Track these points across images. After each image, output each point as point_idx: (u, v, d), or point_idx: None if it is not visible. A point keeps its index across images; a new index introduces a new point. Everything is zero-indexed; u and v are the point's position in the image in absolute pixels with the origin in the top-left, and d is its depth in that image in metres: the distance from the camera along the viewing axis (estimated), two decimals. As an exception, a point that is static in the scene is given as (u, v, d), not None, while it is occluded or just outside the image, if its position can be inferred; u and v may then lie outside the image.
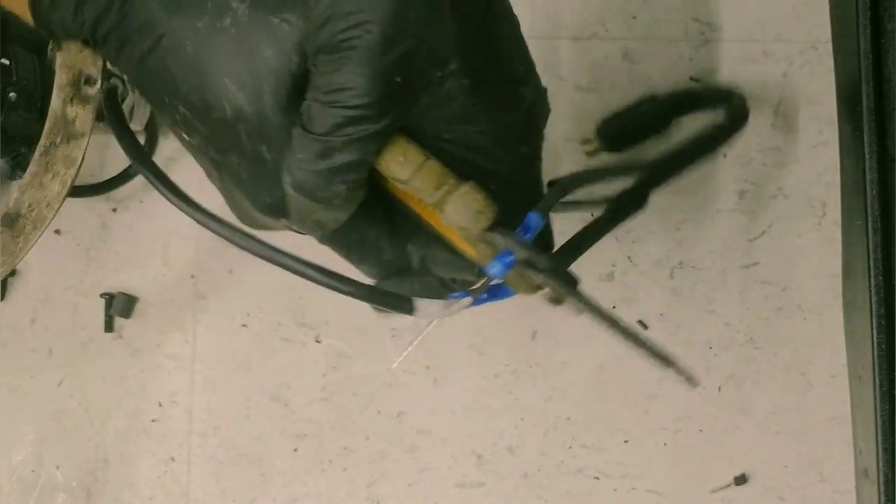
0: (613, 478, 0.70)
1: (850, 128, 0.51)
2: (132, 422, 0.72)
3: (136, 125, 0.68)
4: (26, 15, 0.42)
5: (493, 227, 0.41)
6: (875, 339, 0.47)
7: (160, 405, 0.72)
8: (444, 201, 0.41)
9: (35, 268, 0.73)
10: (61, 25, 0.41)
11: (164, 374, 0.72)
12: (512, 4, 0.42)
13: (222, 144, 0.41)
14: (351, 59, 0.36)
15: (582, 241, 0.46)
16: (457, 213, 0.41)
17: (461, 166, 0.42)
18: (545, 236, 0.45)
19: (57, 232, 0.72)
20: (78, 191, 0.70)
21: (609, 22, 0.71)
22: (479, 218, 0.41)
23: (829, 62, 0.69)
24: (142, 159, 0.44)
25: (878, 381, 0.47)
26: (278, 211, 0.42)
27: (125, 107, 0.63)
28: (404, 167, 0.40)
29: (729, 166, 0.71)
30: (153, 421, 0.72)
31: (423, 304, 0.42)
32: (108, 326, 0.72)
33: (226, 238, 0.44)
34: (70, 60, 0.49)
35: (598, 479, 0.70)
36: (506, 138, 0.42)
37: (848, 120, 0.52)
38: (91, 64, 0.50)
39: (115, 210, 0.73)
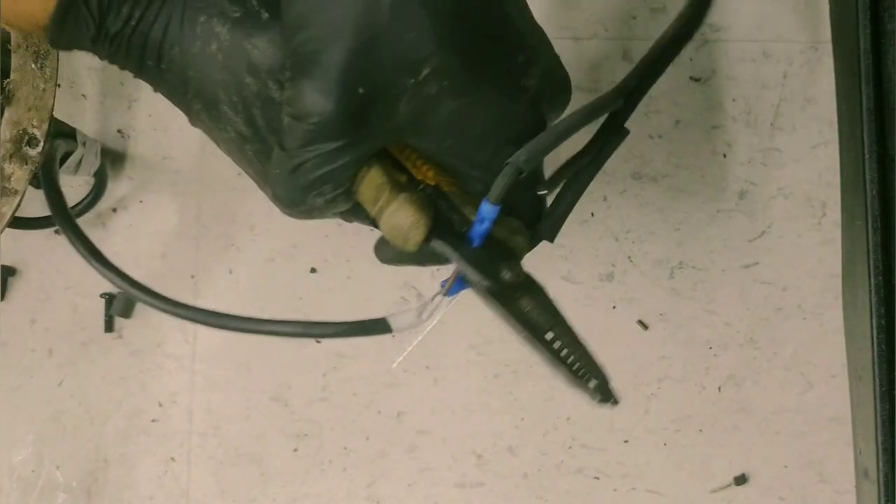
0: (613, 478, 0.70)
1: (850, 128, 0.51)
2: (132, 422, 0.72)
3: (85, 173, 0.68)
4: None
5: (429, 238, 0.40)
6: (875, 339, 0.47)
7: (160, 405, 0.72)
8: (378, 218, 0.40)
9: (35, 268, 0.73)
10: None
11: (164, 374, 0.72)
12: (512, 4, 0.41)
13: (238, 157, 0.42)
14: (311, 73, 0.36)
15: (566, 199, 0.44)
16: (389, 232, 0.40)
17: (463, 170, 0.41)
18: (534, 203, 0.44)
19: (57, 232, 0.72)
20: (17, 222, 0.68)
21: (609, 22, 0.71)
22: (410, 236, 0.40)
23: (829, 62, 0.69)
24: (70, 227, 0.46)
25: (878, 381, 0.47)
26: None
27: (74, 157, 0.63)
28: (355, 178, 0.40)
29: (729, 166, 0.71)
30: (153, 421, 0.72)
31: (397, 320, 0.42)
32: (108, 326, 0.72)
33: (167, 311, 0.45)
34: (17, 117, 0.49)
35: (598, 479, 0.70)
36: (509, 136, 0.41)
37: (848, 120, 0.52)
38: (36, 126, 0.49)
39: (114, 210, 0.73)
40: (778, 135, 0.70)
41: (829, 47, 0.68)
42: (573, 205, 0.45)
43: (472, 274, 0.41)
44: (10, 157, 0.49)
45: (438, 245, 0.41)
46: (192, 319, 0.46)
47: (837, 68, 0.60)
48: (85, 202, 0.71)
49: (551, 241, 0.45)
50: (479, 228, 0.41)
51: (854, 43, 0.49)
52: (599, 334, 0.71)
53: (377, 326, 0.42)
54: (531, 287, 0.43)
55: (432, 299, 0.42)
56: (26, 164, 0.50)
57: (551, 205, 0.45)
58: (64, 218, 0.47)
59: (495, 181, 0.40)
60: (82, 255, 0.46)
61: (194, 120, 0.42)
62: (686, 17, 0.48)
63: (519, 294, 0.43)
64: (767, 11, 0.71)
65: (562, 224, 0.45)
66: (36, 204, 0.66)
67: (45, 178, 0.50)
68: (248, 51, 0.39)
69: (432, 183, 0.42)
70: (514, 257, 0.43)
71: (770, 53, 0.71)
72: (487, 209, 0.40)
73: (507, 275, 0.42)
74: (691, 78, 0.71)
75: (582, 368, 0.43)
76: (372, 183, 0.40)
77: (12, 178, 0.50)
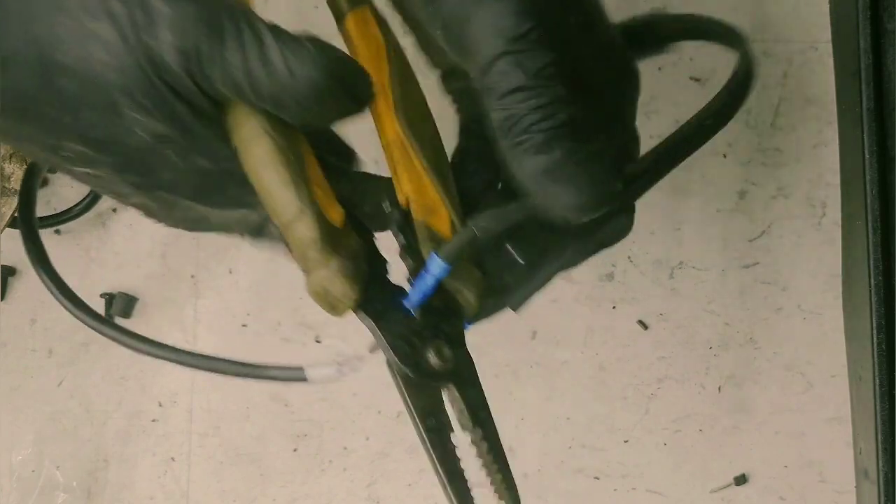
0: (613, 478, 0.70)
1: (850, 128, 0.51)
2: (132, 422, 0.72)
3: None
4: None
5: (357, 310, 0.37)
6: (875, 339, 0.47)
7: (160, 405, 0.72)
8: (305, 273, 0.36)
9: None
10: None
11: (164, 374, 0.72)
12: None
13: (144, 167, 0.36)
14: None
15: (543, 272, 0.42)
16: (314, 295, 0.37)
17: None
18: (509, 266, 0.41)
19: (57, 232, 0.72)
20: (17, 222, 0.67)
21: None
22: (336, 306, 0.37)
23: (829, 62, 0.69)
24: (34, 248, 0.44)
25: (878, 381, 0.47)
26: (242, 203, 0.37)
27: None
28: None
29: (729, 166, 0.71)
30: (153, 421, 0.72)
31: (314, 372, 0.39)
32: (108, 326, 0.72)
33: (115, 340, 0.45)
34: None
35: (598, 479, 0.70)
36: None
37: (848, 120, 0.52)
38: None
39: (114, 210, 0.73)
40: (778, 135, 0.70)
41: (829, 47, 0.68)
42: (549, 279, 0.42)
43: (390, 357, 0.37)
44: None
45: (363, 318, 0.37)
46: (123, 344, 0.44)
47: (837, 68, 0.60)
48: (85, 202, 0.71)
49: (515, 310, 0.42)
50: (422, 284, 0.37)
51: (854, 43, 0.49)
52: (599, 334, 0.71)
53: (294, 374, 0.39)
54: (462, 374, 0.39)
55: (358, 359, 0.39)
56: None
57: (528, 275, 0.42)
58: (30, 232, 0.45)
59: (452, 239, 0.37)
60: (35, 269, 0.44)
61: (61, 149, 0.35)
62: (716, 108, 0.44)
63: (442, 383, 0.39)
64: (767, 11, 0.71)
65: (531, 297, 0.41)
66: (36, 204, 0.66)
67: (22, 192, 0.49)
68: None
69: (405, 203, 0.38)
70: (456, 319, 0.39)
71: (770, 53, 0.71)
72: (436, 264, 0.37)
73: (433, 360, 0.38)
74: (691, 78, 0.71)
75: (495, 485, 0.39)
76: (306, 227, 0.35)
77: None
